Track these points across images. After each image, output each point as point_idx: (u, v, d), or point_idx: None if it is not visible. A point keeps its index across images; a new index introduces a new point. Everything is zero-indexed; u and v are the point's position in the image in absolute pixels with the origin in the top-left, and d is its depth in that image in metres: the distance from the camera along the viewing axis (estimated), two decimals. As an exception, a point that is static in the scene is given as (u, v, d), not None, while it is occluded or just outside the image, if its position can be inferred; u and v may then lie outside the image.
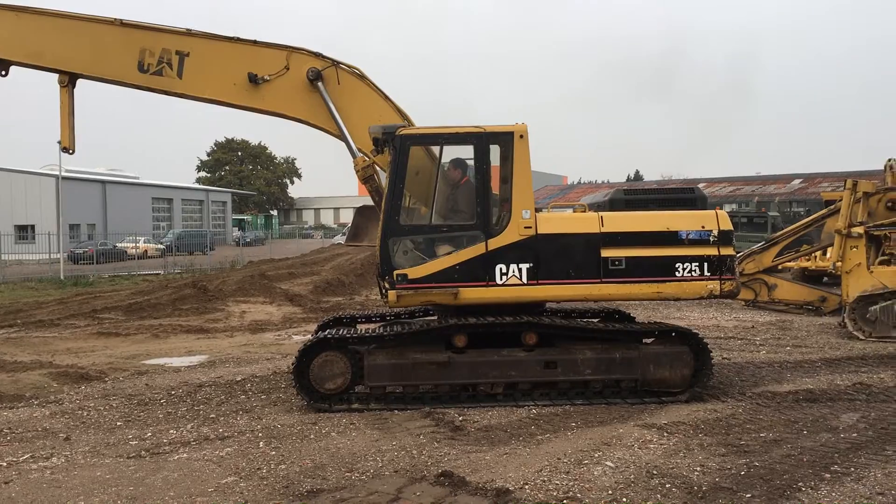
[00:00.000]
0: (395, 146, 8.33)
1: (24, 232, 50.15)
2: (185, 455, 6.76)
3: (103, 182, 60.90)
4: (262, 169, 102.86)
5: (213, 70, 8.91)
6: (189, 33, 8.87)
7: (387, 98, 9.13)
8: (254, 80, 8.85)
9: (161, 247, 47.88)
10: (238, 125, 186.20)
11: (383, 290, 8.57)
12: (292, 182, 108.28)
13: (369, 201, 9.58)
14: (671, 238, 8.46)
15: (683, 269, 8.41)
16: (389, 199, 8.34)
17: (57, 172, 43.25)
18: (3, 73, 8.85)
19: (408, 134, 8.41)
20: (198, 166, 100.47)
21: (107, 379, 10.53)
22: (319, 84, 8.90)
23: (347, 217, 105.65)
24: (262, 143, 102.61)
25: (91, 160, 66.95)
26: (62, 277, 31.76)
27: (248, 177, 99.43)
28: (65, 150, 9.12)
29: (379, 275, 8.61)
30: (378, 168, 8.98)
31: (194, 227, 70.28)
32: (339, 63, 9.02)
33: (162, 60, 8.79)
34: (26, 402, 9.17)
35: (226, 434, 7.42)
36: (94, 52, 8.80)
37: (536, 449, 6.79)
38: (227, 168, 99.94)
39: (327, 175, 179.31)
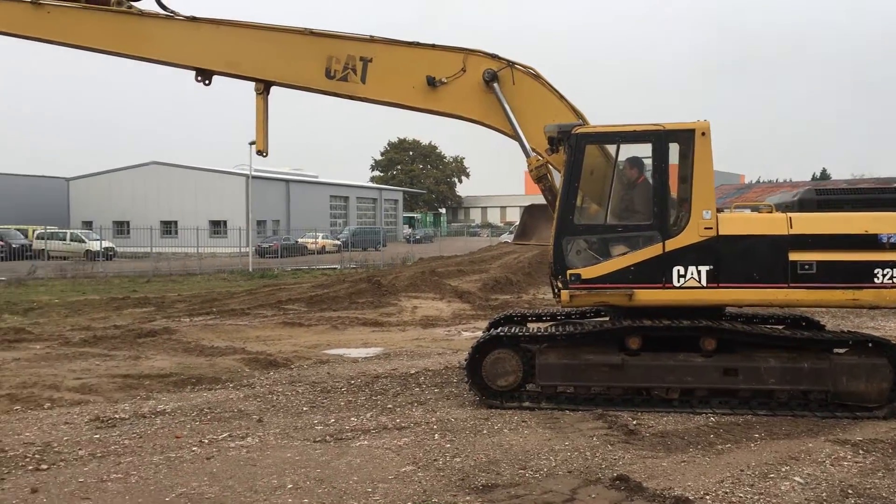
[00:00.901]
0: (570, 145, 8.28)
1: (218, 227, 54.31)
2: (365, 442, 7.08)
3: (287, 181, 64.74)
4: (432, 168, 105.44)
5: (394, 74, 9.22)
6: (372, 39, 9.23)
7: (562, 97, 9.08)
8: (432, 82, 9.07)
9: (338, 242, 50.35)
10: (410, 125, 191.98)
11: (556, 290, 8.54)
12: (460, 181, 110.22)
13: (536, 200, 9.59)
14: (870, 241, 7.85)
15: (884, 276, 7.79)
16: (564, 198, 8.30)
17: (247, 172, 46.53)
18: (207, 82, 9.57)
19: (584, 132, 8.33)
20: (372, 165, 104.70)
21: (292, 366, 11.21)
22: (495, 85, 8.99)
23: (514, 216, 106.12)
24: (433, 143, 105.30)
25: (276, 160, 71.31)
26: (250, 270, 34.10)
27: (418, 176, 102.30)
28: (259, 153, 9.76)
29: (552, 274, 8.59)
30: (551, 167, 8.95)
31: (368, 224, 73.26)
32: (514, 63, 9.07)
33: (347, 66, 9.20)
34: (223, 384, 9.94)
35: (403, 424, 7.69)
36: (286, 61, 9.35)
37: (717, 459, 6.54)
38: (399, 167, 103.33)
39: (494, 174, 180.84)
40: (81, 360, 11.57)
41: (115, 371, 10.64)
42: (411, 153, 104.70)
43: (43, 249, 37.07)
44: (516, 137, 9.03)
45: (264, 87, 9.52)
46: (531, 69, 9.13)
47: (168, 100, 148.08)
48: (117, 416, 8.11)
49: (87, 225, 52.83)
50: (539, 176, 8.92)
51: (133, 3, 9.19)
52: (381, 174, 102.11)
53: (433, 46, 9.21)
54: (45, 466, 6.37)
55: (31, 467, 6.36)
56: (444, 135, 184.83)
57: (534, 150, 8.96)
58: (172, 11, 9.26)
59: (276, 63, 9.38)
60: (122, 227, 53.72)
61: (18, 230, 45.86)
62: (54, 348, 12.65)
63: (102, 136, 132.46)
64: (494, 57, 9.11)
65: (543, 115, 8.97)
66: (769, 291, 8.00)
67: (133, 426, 7.73)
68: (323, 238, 52.01)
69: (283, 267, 36.39)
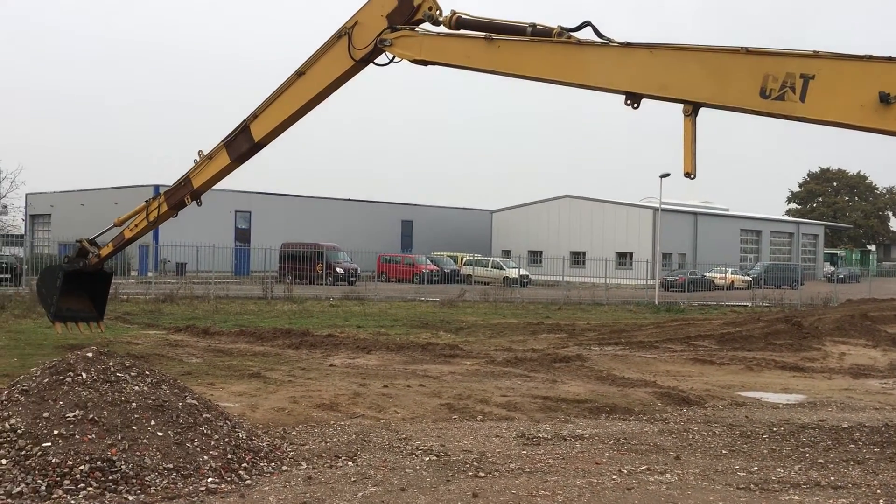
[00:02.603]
0: None
1: (624, 259, 55.22)
2: (795, 496, 6.52)
3: (695, 213, 63.45)
4: (860, 200, 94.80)
5: (839, 92, 8.46)
6: (816, 55, 8.60)
7: None
8: (885, 99, 8.13)
9: (748, 279, 47.78)
10: (833, 153, 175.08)
11: None
12: (895, 215, 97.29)
13: None
14: None
15: None
16: None
17: (655, 205, 46.62)
18: (636, 105, 9.78)
19: None
20: (788, 198, 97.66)
21: (706, 405, 10.85)
22: None
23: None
24: (861, 173, 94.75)
25: (685, 193, 70.42)
26: (656, 303, 34.00)
27: (843, 208, 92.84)
28: (687, 175, 9.63)
29: None
30: None
31: (782, 259, 68.35)
32: None
33: (785, 85, 8.69)
34: (636, 416, 10.00)
35: (838, 483, 6.93)
36: (717, 81, 9.15)
37: None
38: (821, 199, 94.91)
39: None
40: (505, 378, 12.57)
41: (535, 392, 11.34)
42: (835, 184, 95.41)
43: (469, 275, 41.26)
44: None
45: (692, 109, 9.42)
46: None
47: (579, 138, 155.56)
48: (541, 436, 8.63)
49: (506, 254, 57.67)
50: None
51: (573, 34, 9.81)
52: (799, 206, 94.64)
53: (890, 59, 8.26)
54: (482, 474, 7.01)
55: (471, 473, 7.04)
56: (876, 163, 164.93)
57: None
58: (608, 39, 9.69)
59: (707, 84, 9.22)
60: (535, 256, 57.46)
61: (450, 257, 51.87)
62: (482, 366, 13.94)
63: (524, 175, 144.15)
64: None
65: None
66: None
67: (555, 446, 8.15)
68: (732, 273, 49.81)
69: (690, 301, 35.61)
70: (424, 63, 10.37)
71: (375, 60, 10.55)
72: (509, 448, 8.04)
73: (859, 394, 12.31)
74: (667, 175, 37.85)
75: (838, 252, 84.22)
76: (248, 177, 58.78)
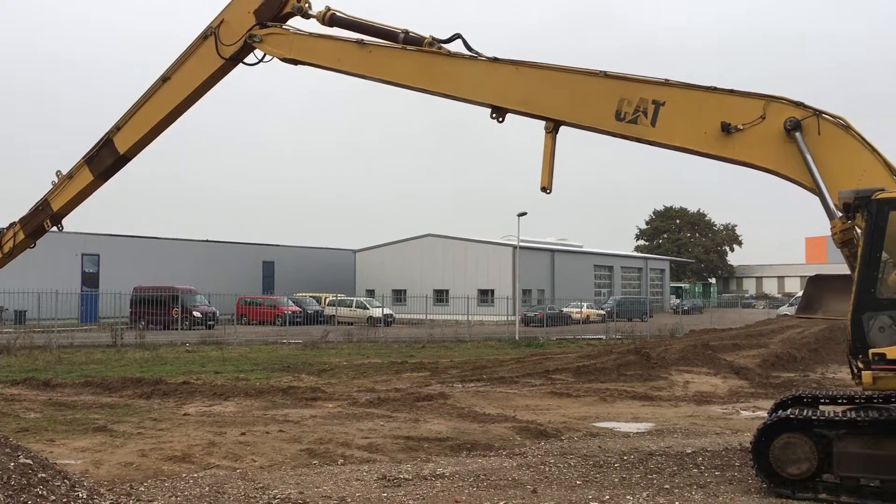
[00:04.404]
0: (870, 212, 7.56)
1: (486, 296, 56.30)
2: (643, 523, 6.82)
3: (552, 251, 65.75)
4: (701, 236, 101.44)
5: (687, 119, 9.03)
6: (667, 83, 9.16)
7: (874, 150, 8.26)
8: (726, 129, 8.76)
9: (602, 312, 49.84)
10: (675, 194, 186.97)
11: (855, 370, 7.73)
12: (732, 249, 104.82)
13: (820, 270, 8.79)
14: None
15: None
16: (864, 270, 7.57)
17: (514, 242, 47.99)
18: (501, 119, 10.11)
19: (886, 198, 7.58)
20: (636, 234, 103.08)
21: (563, 437, 11.18)
22: (797, 134, 8.43)
23: (793, 286, 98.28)
24: (701, 210, 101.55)
25: (541, 231, 72.86)
26: (517, 338, 34.82)
27: (685, 244, 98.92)
28: (543, 189, 9.97)
29: (850, 353, 7.80)
30: (859, 230, 8.15)
31: (633, 293, 71.82)
32: (822, 113, 8.47)
33: (638, 109, 9.21)
34: (496, 452, 10.16)
35: (682, 508, 7.32)
36: (578, 102, 9.58)
37: None
38: (666, 236, 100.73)
39: (770, 242, 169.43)
40: (367, 419, 12.46)
41: (397, 432, 11.31)
42: (678, 221, 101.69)
43: (333, 315, 40.78)
44: (817, 192, 8.34)
45: (553, 127, 9.80)
46: (841, 119, 8.46)
47: (444, 176, 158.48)
48: (402, 476, 8.60)
49: (370, 293, 57.47)
50: (844, 240, 8.12)
51: (443, 45, 10.01)
52: (647, 243, 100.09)
53: (731, 91, 8.93)
54: (341, 519, 6.90)
55: (329, 518, 6.92)
56: (714, 202, 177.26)
57: (838, 208, 8.24)
58: (477, 53, 9.96)
59: (568, 103, 9.62)
60: (399, 295, 57.62)
61: (313, 297, 51.12)
62: (344, 408, 13.77)
63: (387, 214, 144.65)
64: (800, 105, 8.57)
65: (851, 169, 8.25)
66: None
67: (416, 487, 8.14)
68: (587, 308, 51.80)
69: (549, 336, 36.68)
70: (295, 62, 10.28)
71: (245, 60, 10.39)
72: (370, 491, 7.96)
73: (702, 420, 13.05)
74: (524, 214, 39.13)
75: (683, 285, 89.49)
76: (97, 217, 55.58)
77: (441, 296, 56.24)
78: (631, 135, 9.32)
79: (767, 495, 7.71)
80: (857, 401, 9.11)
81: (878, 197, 7.57)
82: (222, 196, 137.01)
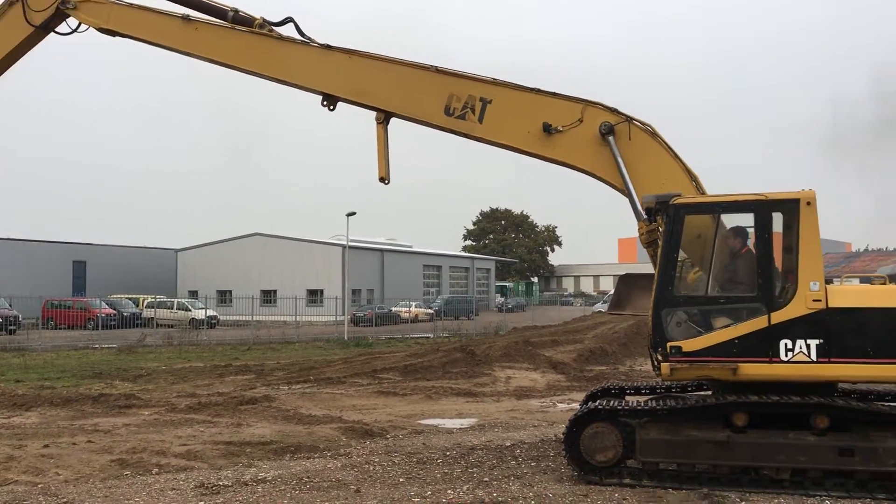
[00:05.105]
0: (669, 215, 8.20)
1: (314, 296, 55.63)
2: (462, 516, 7.00)
3: (381, 251, 66.03)
4: (524, 237, 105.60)
5: (512, 118, 9.37)
6: (494, 82, 9.45)
7: (677, 157, 8.95)
8: (548, 129, 9.16)
9: (430, 311, 50.68)
10: (501, 196, 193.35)
11: (655, 362, 8.36)
12: (552, 250, 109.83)
13: (631, 269, 9.45)
14: None
15: None
16: (663, 269, 8.19)
17: (343, 242, 47.76)
18: (332, 107, 10.00)
19: (683, 203, 8.25)
20: (464, 235, 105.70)
21: (388, 436, 11.25)
22: (610, 138, 8.96)
23: (607, 285, 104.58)
24: (524, 212, 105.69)
25: (371, 231, 72.99)
26: (346, 338, 34.67)
27: (510, 245, 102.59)
28: (381, 180, 10.00)
29: (651, 346, 8.42)
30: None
31: (460, 292, 73.55)
32: (632, 119, 9.05)
33: (466, 105, 9.43)
34: (321, 453, 10.07)
35: (500, 499, 7.58)
36: (409, 95, 9.66)
37: (834, 546, 6.16)
38: (492, 236, 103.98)
39: (587, 243, 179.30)
40: (187, 426, 11.95)
41: (218, 438, 10.93)
42: (503, 222, 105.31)
43: (152, 318, 38.75)
44: (627, 194, 8.94)
45: (384, 118, 9.83)
46: (649, 126, 9.08)
47: (272, 172, 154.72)
48: (221, 483, 8.32)
49: (193, 294, 55.17)
50: (649, 241, 8.75)
51: (274, 28, 9.74)
52: (474, 243, 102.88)
53: (554, 94, 9.33)
54: (153, 531, 6.57)
55: (140, 532, 6.57)
56: (537, 204, 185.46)
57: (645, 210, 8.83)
58: (309, 38, 9.77)
59: (399, 95, 9.69)
60: (224, 296, 55.71)
61: (129, 299, 48.28)
62: (161, 414, 13.13)
63: (212, 210, 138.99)
64: (613, 111, 9.12)
65: (656, 173, 8.90)
66: (886, 367, 7.61)
67: (236, 493, 7.91)
68: (416, 307, 52.46)
69: (378, 335, 36.82)
70: (112, 33, 9.66)
71: (57, 29, 9.64)
72: (186, 500, 7.64)
73: (522, 413, 13.60)
74: (353, 213, 39.01)
75: (507, 284, 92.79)
76: None
77: (269, 296, 54.97)
78: (459, 130, 9.57)
79: (578, 482, 8.15)
80: (658, 391, 9.85)
81: (676, 202, 8.21)
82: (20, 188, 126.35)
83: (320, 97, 9.91)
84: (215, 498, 7.74)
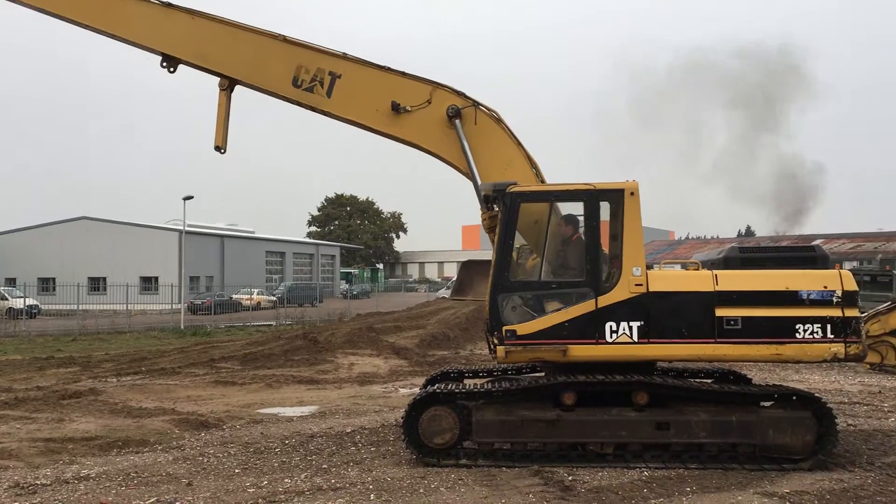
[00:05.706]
0: (505, 203, 8.45)
1: (148, 283, 53.01)
2: (299, 504, 6.93)
3: (222, 236, 63.89)
4: (370, 223, 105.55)
5: (361, 94, 9.27)
6: (345, 57, 9.30)
7: (520, 145, 9.19)
8: (396, 108, 9.15)
9: (273, 298, 49.68)
10: (347, 181, 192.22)
11: (492, 346, 8.61)
12: (398, 236, 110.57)
13: (473, 256, 9.69)
14: (791, 298, 8.18)
15: (804, 331, 8.10)
16: (499, 256, 8.43)
17: (180, 227, 45.76)
18: (172, 69, 9.50)
19: (518, 191, 8.52)
20: (308, 221, 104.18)
21: (225, 427, 10.93)
22: (457, 122, 9.07)
23: (451, 271, 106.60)
24: (370, 199, 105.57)
25: (211, 216, 70.41)
26: (182, 327, 33.31)
27: (355, 231, 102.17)
28: (217, 149, 9.62)
29: (488, 330, 8.67)
30: None
31: (304, 279, 72.55)
32: (479, 104, 9.20)
33: (315, 78, 9.25)
34: (151, 447, 9.62)
35: (338, 485, 7.56)
36: (255, 62, 9.35)
37: (650, 513, 6.60)
38: (337, 223, 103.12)
39: (432, 230, 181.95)
40: (1, 423, 11.07)
41: (36, 434, 10.21)
42: (348, 209, 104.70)
43: (-38, 307, 35.57)
44: (471, 178, 9.11)
45: (229, 85, 9.47)
46: (494, 112, 9.25)
47: (104, 153, 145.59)
48: (38, 483, 7.77)
49: (11, 282, 51.01)
50: (491, 227, 8.95)
51: None
52: (319, 230, 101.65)
53: (403, 74, 9.31)
54: (-42, 538, 6.05)
55: (-58, 539, 6.03)
56: (382, 191, 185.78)
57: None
58: None
59: (245, 63, 9.36)
60: (47, 284, 51.94)
61: (-64, 287, 44.02)
62: (-29, 411, 12.08)
63: (32, 189, 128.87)
64: (461, 94, 9.22)
65: (499, 159, 9.12)
66: (697, 346, 8.23)
67: (55, 492, 7.42)
68: (258, 294, 51.26)
69: (217, 324, 35.65)
70: None
71: None
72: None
73: (364, 399, 13.61)
74: (190, 197, 37.48)
75: (352, 271, 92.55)
76: None
77: (97, 284, 51.88)
78: (307, 103, 9.39)
79: (416, 465, 8.27)
80: (495, 374, 10.17)
81: (512, 190, 8.48)
82: None
83: (160, 58, 9.44)
84: (32, 498, 7.22)
